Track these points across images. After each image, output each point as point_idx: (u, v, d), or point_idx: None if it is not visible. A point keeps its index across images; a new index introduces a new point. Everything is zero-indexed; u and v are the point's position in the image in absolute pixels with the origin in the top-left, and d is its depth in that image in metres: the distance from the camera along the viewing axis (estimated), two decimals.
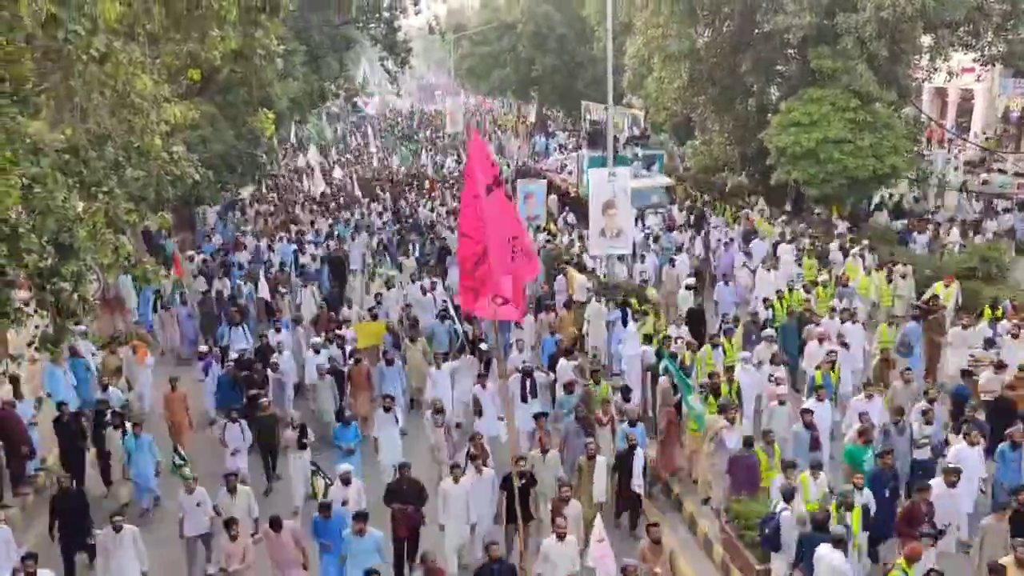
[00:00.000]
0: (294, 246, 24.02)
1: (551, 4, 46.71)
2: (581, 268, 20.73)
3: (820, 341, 14.38)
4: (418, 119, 64.91)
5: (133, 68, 10.03)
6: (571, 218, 27.84)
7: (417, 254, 23.94)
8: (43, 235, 8.69)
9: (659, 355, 14.07)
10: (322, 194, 33.48)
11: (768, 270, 19.05)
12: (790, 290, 17.32)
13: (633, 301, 17.12)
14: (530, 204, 26.07)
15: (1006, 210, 26.07)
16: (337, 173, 37.69)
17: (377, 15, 31.25)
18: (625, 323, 16.18)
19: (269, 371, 14.66)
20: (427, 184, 36.07)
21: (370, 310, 17.95)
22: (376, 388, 14.54)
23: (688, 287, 18.45)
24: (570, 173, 31.71)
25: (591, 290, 18.34)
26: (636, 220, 22.93)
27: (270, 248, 24.15)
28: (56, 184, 9.00)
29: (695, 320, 16.71)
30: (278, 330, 16.50)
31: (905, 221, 24.93)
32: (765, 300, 17.08)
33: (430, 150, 47.85)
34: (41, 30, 8.44)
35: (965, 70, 29.20)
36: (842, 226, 23.47)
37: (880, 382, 13.49)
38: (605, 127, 26.57)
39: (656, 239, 23.00)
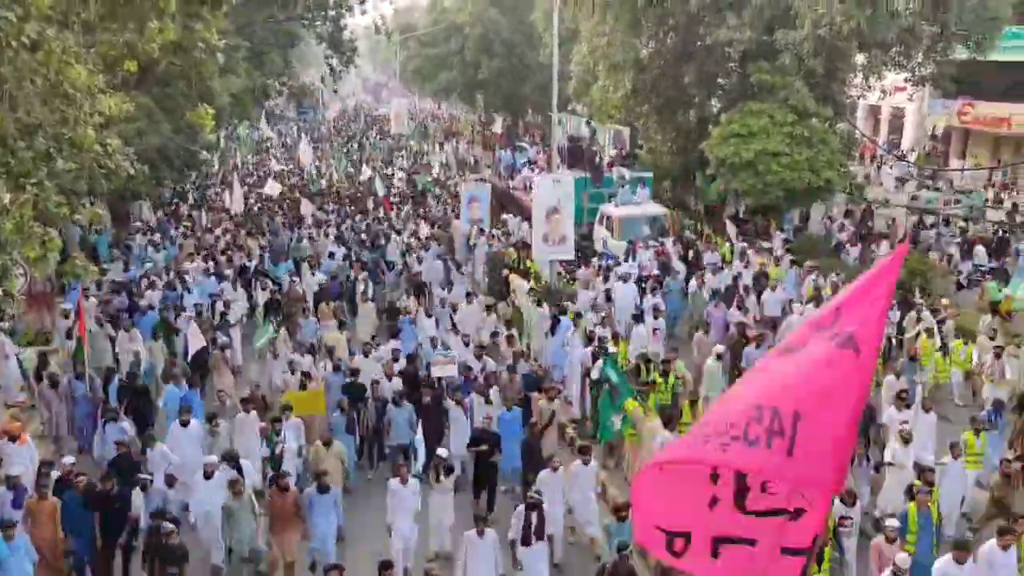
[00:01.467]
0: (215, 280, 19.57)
1: (499, 8, 46.83)
2: (523, 273, 20.82)
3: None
4: (364, 120, 64.35)
5: (66, 57, 9.72)
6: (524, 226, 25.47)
7: (372, 295, 18.99)
8: None
9: (596, 357, 14.19)
10: (245, 212, 29.39)
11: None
12: None
13: (643, 373, 13.94)
14: (473, 208, 26.19)
15: (932, 226, 27.04)
16: (269, 188, 32.23)
17: (323, 12, 30.87)
18: (554, 330, 16.05)
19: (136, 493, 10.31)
20: (378, 202, 31.80)
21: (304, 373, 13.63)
22: (308, 522, 10.25)
23: (719, 356, 14.44)
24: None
25: (532, 293, 18.37)
26: (626, 256, 20.92)
27: (182, 282, 19.15)
28: None
29: None
30: (184, 424, 11.66)
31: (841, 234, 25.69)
32: None
33: (371, 160, 44.26)
34: None
35: (897, 89, 30.32)
36: (779, 238, 24.06)
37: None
38: (587, 144, 27.11)
39: (657, 287, 18.56)
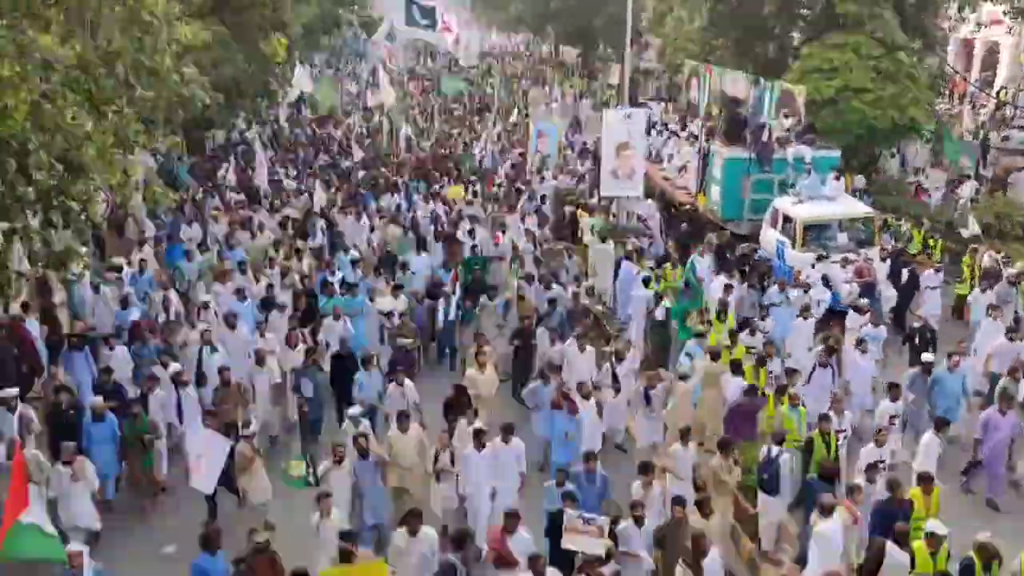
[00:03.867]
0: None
1: None
2: (589, 210, 20.62)
3: None
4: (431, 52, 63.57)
5: None
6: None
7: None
8: (52, 152, 8.63)
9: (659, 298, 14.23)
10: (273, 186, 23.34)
11: None
12: None
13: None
14: (542, 143, 25.98)
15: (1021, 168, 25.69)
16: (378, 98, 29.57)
17: None
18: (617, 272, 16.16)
19: None
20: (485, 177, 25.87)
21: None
22: None
23: None
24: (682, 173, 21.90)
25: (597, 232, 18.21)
26: (824, 283, 14.83)
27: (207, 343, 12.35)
28: (65, 101, 8.89)
29: None
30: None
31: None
32: None
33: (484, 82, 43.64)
34: None
35: (994, 21, 28.52)
36: (859, 181, 23.14)
37: None
38: (753, 112, 19.06)
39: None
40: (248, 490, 10.13)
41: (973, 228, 18.58)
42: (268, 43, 21.45)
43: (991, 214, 19.11)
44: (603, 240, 17.52)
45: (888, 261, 16.19)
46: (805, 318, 13.44)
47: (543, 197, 22.23)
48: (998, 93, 34.76)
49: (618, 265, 16.48)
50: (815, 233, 16.54)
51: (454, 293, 14.77)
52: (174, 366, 11.70)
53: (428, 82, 47.64)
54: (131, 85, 10.29)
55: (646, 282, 14.98)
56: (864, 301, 14.09)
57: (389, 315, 14.09)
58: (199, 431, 10.09)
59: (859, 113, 21.84)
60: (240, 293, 14.12)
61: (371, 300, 14.23)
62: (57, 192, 9.03)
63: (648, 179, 20.93)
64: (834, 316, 14.37)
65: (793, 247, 16.49)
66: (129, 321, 13.37)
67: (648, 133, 23.31)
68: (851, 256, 15.75)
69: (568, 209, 21.35)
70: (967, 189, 22.52)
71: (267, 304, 14.25)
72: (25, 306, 12.95)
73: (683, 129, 24.89)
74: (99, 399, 10.68)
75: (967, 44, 39.08)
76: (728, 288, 14.21)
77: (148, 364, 12.08)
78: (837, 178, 17.59)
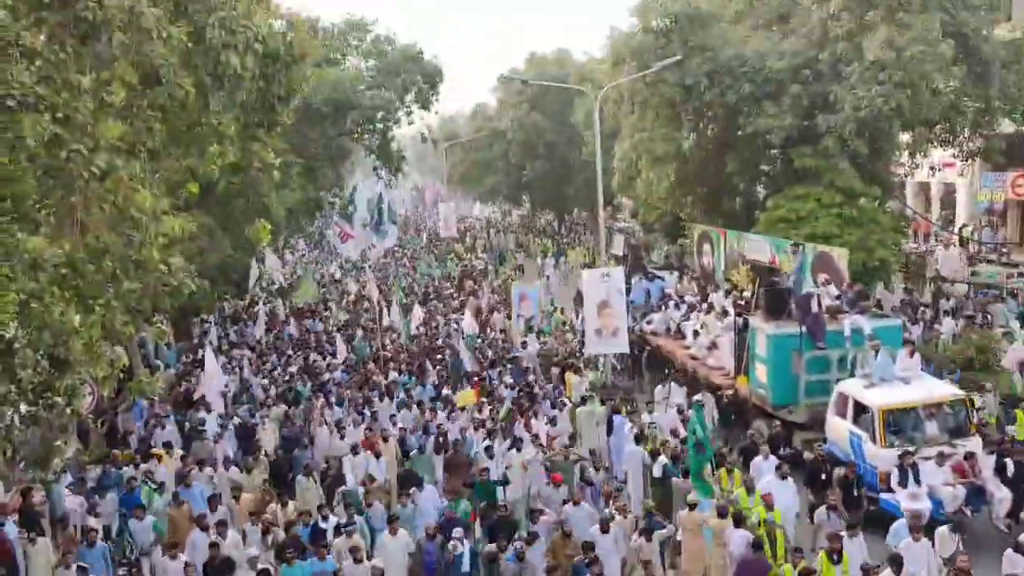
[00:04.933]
0: None
1: (540, 112, 48.21)
2: (576, 370, 20.70)
3: None
4: (413, 227, 65.68)
5: (133, 184, 10.24)
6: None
7: None
8: (38, 349, 8.67)
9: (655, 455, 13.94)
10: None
11: None
12: None
13: None
14: (525, 306, 26.35)
15: (997, 299, 26.22)
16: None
17: (371, 126, 32.17)
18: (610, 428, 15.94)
19: None
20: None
21: None
22: None
23: None
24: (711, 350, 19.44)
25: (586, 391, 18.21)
26: (901, 476, 12.77)
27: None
28: (53, 299, 9.04)
29: None
30: None
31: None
32: None
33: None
34: (44, 150, 8.66)
35: (946, 164, 30.01)
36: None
37: None
38: (795, 281, 16.54)
39: None
40: None
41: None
42: (253, 229, 22.12)
43: (974, 348, 19.32)
44: (583, 401, 17.45)
45: (994, 454, 13.33)
46: (916, 539, 10.65)
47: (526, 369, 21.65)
48: (960, 231, 36.05)
49: (610, 420, 16.34)
50: (898, 423, 13.87)
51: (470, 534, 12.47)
52: None
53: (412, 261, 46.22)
54: (118, 278, 10.51)
55: (637, 438, 14.82)
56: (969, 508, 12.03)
57: None
58: None
59: None
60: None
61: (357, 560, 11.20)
62: (43, 388, 8.99)
63: (671, 358, 20.07)
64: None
65: (873, 442, 13.71)
66: None
67: (663, 307, 23.27)
68: (946, 450, 13.25)
69: (555, 371, 21.48)
70: (948, 324, 22.87)
71: None
72: (2, 507, 12.56)
73: (704, 300, 23.44)
74: None
75: (924, 187, 40.88)
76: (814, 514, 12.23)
77: None
78: (911, 353, 15.05)
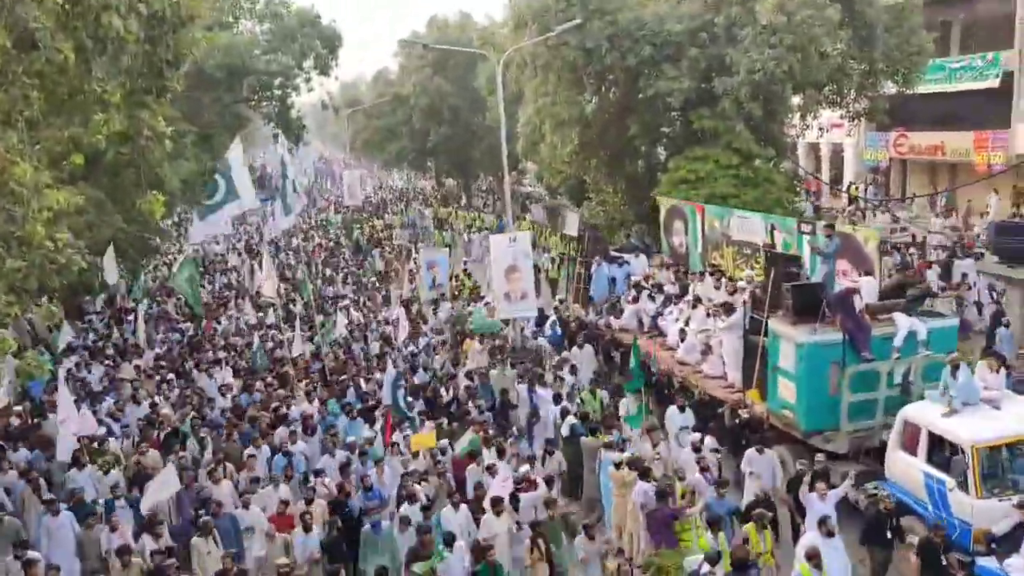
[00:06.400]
0: None
1: (443, 77, 47.67)
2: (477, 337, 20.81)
3: None
4: (317, 196, 64.34)
5: (11, 156, 9.66)
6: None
7: None
8: None
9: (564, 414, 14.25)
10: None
11: None
12: None
13: None
14: (434, 272, 26.30)
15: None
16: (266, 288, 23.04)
17: (269, 93, 31.16)
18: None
19: None
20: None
21: None
22: None
23: None
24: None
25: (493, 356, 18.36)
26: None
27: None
28: None
29: None
30: None
31: None
32: None
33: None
34: None
35: (834, 125, 31.30)
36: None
37: None
38: (827, 273, 13.89)
39: None
40: None
41: None
42: (145, 201, 21.20)
43: None
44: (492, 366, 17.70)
45: None
46: None
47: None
48: (848, 189, 37.78)
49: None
50: (996, 465, 10.64)
51: None
52: None
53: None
54: (0, 256, 9.95)
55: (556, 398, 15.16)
56: None
57: None
58: None
59: None
60: None
61: None
62: None
63: (657, 362, 16.63)
64: None
65: (964, 490, 10.54)
66: None
67: (636, 300, 19.11)
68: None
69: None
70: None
71: None
72: None
73: (683, 292, 19.09)
74: None
75: (814, 148, 42.55)
76: None
77: None
78: (998, 369, 11.85)
